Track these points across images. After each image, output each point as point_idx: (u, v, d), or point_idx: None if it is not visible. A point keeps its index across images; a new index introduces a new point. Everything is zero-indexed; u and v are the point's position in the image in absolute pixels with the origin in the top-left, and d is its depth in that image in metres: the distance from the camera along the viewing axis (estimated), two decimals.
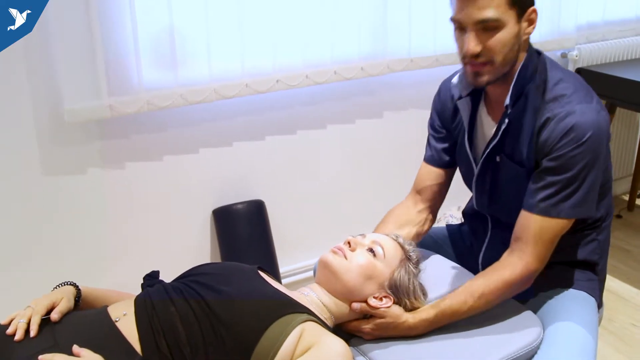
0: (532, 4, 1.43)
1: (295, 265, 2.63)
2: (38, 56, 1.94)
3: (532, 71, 1.49)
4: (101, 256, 2.21)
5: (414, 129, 2.40)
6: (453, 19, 1.44)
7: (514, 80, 1.47)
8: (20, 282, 2.07)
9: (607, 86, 2.84)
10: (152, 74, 2.08)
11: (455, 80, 1.59)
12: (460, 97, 1.59)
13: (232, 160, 2.39)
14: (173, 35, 2.06)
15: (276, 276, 2.42)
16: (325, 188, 2.62)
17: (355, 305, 1.42)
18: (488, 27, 1.39)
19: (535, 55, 1.52)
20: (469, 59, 1.44)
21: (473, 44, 1.40)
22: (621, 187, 3.54)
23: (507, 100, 1.48)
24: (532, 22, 1.44)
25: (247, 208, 2.40)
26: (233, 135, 2.36)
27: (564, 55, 3.00)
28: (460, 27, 1.43)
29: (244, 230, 2.38)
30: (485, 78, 1.45)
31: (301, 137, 2.50)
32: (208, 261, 2.43)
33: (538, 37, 2.83)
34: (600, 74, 2.88)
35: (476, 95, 1.61)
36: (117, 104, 2.01)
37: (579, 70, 2.95)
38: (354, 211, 2.66)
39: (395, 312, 1.44)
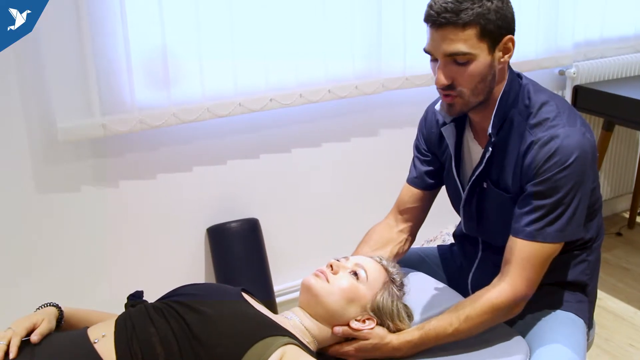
0: (510, 32, 1.41)
1: (289, 283, 2.62)
2: (31, 75, 1.95)
3: (514, 97, 1.48)
4: (94, 274, 2.21)
5: (410, 147, 2.36)
6: (425, 50, 1.44)
7: (496, 108, 1.47)
8: (13, 301, 2.07)
9: (605, 104, 2.83)
10: (145, 93, 2.08)
11: (437, 106, 1.59)
12: (444, 124, 1.59)
13: (226, 179, 2.39)
14: (166, 54, 2.07)
15: (270, 294, 2.42)
16: (320, 206, 2.61)
17: (337, 329, 1.41)
18: (458, 61, 1.39)
19: (517, 80, 1.51)
20: (440, 90, 1.45)
21: (442, 77, 1.41)
22: (621, 205, 3.52)
23: (490, 129, 1.48)
24: (508, 50, 1.43)
25: (241, 226, 2.40)
26: (227, 154, 2.36)
27: (561, 73, 2.99)
28: (433, 58, 1.44)
29: (238, 248, 2.38)
30: (456, 109, 1.46)
31: (296, 155, 2.50)
32: (202, 279, 2.45)
33: (534, 54, 2.82)
34: (599, 91, 2.87)
35: (461, 121, 1.61)
36: (110, 122, 2.02)
37: (577, 88, 2.94)
38: (349, 230, 2.62)
39: (379, 333, 1.43)
